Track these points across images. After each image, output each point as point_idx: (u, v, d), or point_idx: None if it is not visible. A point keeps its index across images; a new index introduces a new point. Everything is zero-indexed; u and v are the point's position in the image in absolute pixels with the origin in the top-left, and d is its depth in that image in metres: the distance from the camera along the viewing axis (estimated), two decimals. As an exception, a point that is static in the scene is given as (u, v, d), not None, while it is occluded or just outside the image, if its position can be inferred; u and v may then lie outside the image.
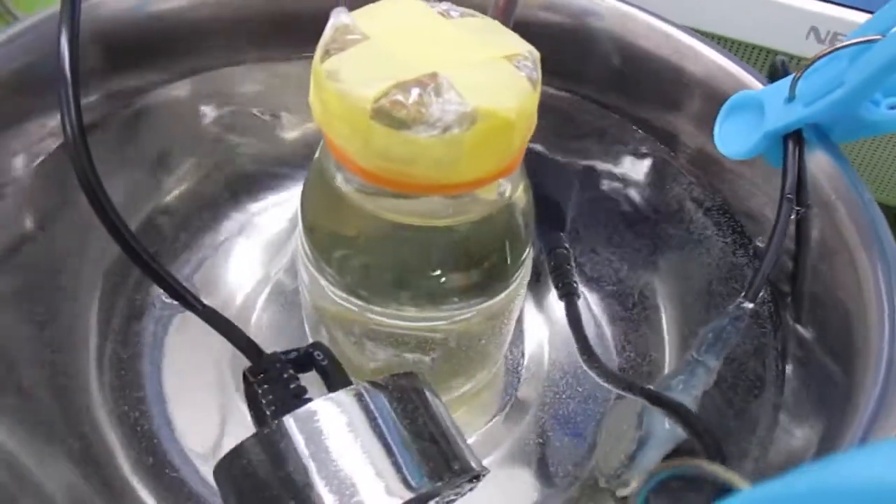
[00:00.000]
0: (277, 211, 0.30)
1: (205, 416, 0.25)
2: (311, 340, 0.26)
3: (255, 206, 0.29)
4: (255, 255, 0.29)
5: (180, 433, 0.24)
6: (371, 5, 0.20)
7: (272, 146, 0.29)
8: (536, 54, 0.19)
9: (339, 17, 0.19)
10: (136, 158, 0.26)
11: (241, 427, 0.24)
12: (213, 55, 0.27)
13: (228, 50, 0.27)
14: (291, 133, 0.29)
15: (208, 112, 0.28)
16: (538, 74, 0.18)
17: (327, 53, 0.18)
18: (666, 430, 0.20)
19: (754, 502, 0.09)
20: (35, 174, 0.23)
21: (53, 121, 0.23)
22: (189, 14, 0.26)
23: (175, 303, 0.19)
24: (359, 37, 0.18)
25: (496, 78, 0.18)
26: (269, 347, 0.20)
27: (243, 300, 0.27)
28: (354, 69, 0.17)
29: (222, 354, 0.26)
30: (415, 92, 0.17)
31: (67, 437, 0.21)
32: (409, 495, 0.18)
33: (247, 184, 0.29)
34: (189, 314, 0.19)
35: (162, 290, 0.19)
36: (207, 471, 0.23)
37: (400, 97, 0.17)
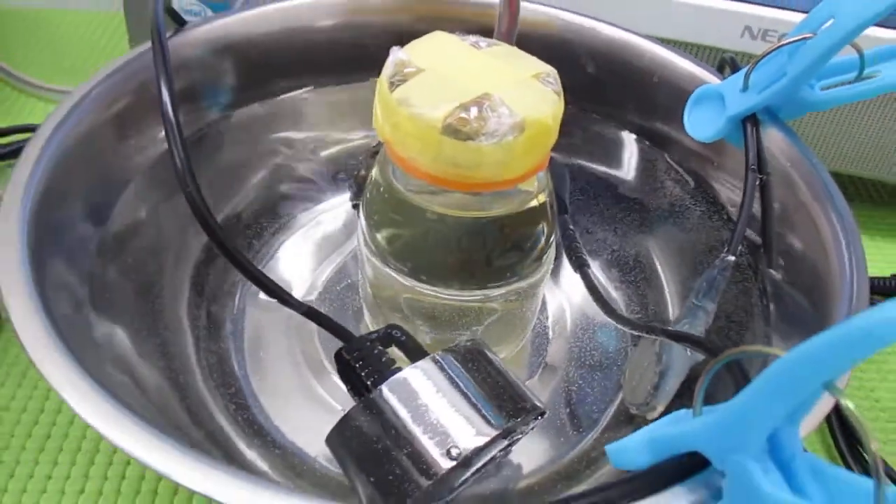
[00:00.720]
0: (325, 217, 0.34)
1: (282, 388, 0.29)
2: (371, 328, 0.30)
3: (303, 216, 0.34)
4: (305, 257, 0.33)
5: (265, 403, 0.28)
6: (414, 42, 0.24)
7: (315, 164, 0.33)
8: (555, 72, 0.24)
9: (397, 55, 0.23)
10: (219, 168, 0.31)
11: (313, 400, 0.28)
12: (282, 82, 0.31)
13: (297, 77, 0.31)
14: (325, 151, 0.33)
15: (274, 132, 0.32)
16: (559, 87, 0.23)
17: (392, 85, 0.22)
18: (681, 361, 0.25)
19: (802, 356, 0.14)
20: (149, 172, 0.27)
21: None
22: (266, 43, 0.30)
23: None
24: (415, 69, 0.23)
25: (532, 93, 0.22)
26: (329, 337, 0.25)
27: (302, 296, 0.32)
28: (421, 96, 0.22)
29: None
30: (474, 110, 0.21)
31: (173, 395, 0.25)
32: (493, 433, 0.22)
33: (294, 196, 0.34)
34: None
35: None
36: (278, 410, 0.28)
37: (464, 115, 0.21)
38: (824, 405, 0.18)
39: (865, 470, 0.31)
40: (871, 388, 0.35)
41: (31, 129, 0.41)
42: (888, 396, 0.35)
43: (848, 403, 0.14)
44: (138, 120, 0.27)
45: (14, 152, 0.39)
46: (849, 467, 0.31)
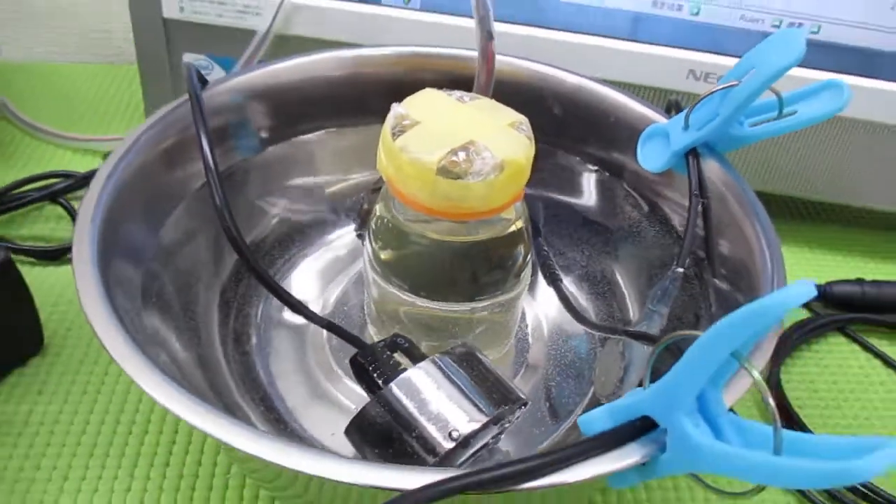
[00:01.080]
0: (332, 245, 0.40)
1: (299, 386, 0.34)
2: (374, 337, 0.35)
3: (314, 244, 0.39)
4: (315, 279, 0.38)
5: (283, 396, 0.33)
6: (409, 98, 0.29)
7: (324, 198, 0.39)
8: (527, 120, 0.29)
9: (397, 110, 0.28)
10: (245, 202, 0.36)
11: (328, 400, 0.33)
12: (298, 127, 0.37)
13: (310, 122, 0.37)
14: (333, 188, 0.38)
15: (290, 170, 0.37)
16: (531, 133, 0.28)
17: (394, 134, 0.27)
18: (642, 356, 0.30)
19: (713, 334, 0.18)
20: (193, 198, 0.32)
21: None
22: (285, 93, 0.36)
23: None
24: (411, 122, 0.28)
25: (508, 139, 0.28)
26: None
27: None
28: (418, 143, 0.27)
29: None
30: (462, 154, 0.26)
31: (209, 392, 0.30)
32: (485, 418, 0.27)
33: (306, 227, 0.39)
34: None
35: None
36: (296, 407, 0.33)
37: (454, 158, 0.26)
38: (746, 381, 0.23)
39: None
40: (811, 380, 0.40)
41: (55, 175, 0.45)
42: (825, 388, 0.40)
43: (751, 369, 0.19)
44: (183, 155, 0.32)
45: (49, 195, 0.43)
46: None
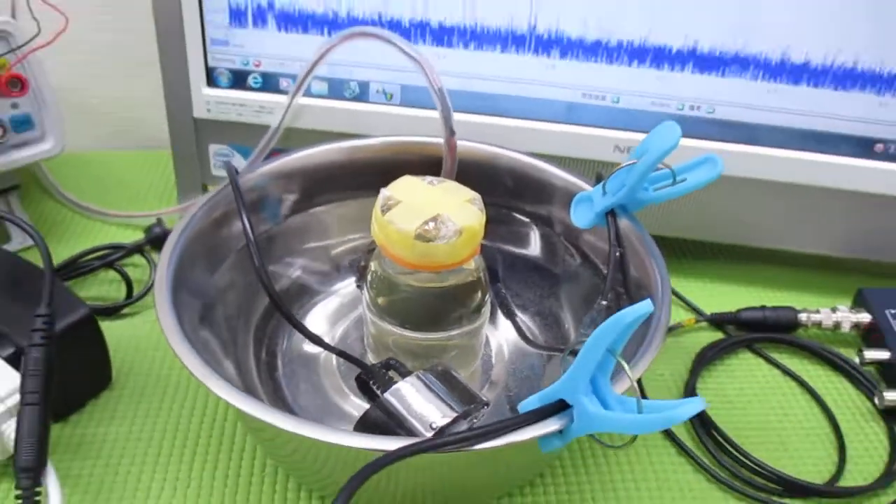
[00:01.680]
0: (338, 293, 0.51)
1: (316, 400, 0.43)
2: (373, 361, 0.45)
3: (323, 293, 0.49)
4: (324, 320, 0.49)
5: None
6: (393, 183, 0.40)
7: (331, 258, 0.49)
8: (479, 197, 0.39)
9: (384, 192, 0.39)
10: (272, 260, 0.46)
11: (338, 411, 0.43)
12: (312, 200, 0.48)
13: (319, 197, 0.48)
14: (337, 249, 0.49)
15: (306, 235, 0.48)
16: (482, 206, 0.39)
17: (383, 211, 0.38)
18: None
19: (594, 338, 0.29)
20: (237, 254, 0.43)
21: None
22: (300, 175, 0.48)
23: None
24: (395, 201, 0.38)
25: (465, 211, 0.38)
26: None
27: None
28: (400, 217, 0.37)
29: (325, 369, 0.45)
30: (432, 224, 0.37)
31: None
32: (454, 414, 0.36)
33: (318, 279, 0.49)
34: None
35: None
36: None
37: (427, 227, 0.37)
38: (635, 373, 0.34)
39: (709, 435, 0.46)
40: (722, 387, 0.50)
41: (109, 247, 0.55)
42: (733, 393, 0.50)
43: (619, 357, 0.29)
44: (228, 223, 0.43)
45: (106, 263, 0.54)
46: (697, 433, 0.46)
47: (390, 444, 0.30)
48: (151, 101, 0.68)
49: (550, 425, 0.31)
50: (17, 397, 0.38)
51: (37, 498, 0.36)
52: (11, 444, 0.37)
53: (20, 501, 0.35)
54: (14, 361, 0.41)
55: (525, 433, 0.31)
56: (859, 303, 0.55)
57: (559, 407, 0.32)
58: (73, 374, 0.43)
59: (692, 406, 0.27)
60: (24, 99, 0.51)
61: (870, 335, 0.54)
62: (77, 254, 0.54)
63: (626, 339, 0.30)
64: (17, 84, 0.47)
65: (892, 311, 0.53)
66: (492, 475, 0.38)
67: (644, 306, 0.28)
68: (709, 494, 0.43)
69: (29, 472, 0.36)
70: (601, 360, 0.30)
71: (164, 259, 0.38)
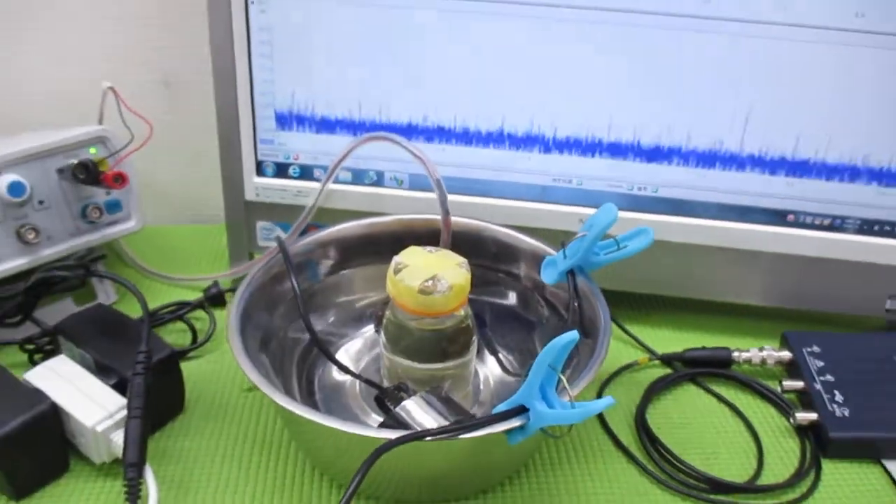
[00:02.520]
0: (360, 337, 0.64)
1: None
2: (387, 384, 0.58)
3: (348, 336, 0.63)
4: (351, 357, 0.62)
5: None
6: (402, 252, 0.54)
7: (355, 309, 0.63)
8: (466, 261, 0.53)
9: (395, 259, 0.53)
10: (312, 311, 0.60)
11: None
12: (341, 265, 0.62)
13: (346, 262, 0.62)
14: (361, 303, 0.63)
15: (336, 291, 0.62)
16: (468, 268, 0.53)
17: (395, 272, 0.52)
18: (539, 389, 0.53)
19: (539, 358, 0.42)
20: (288, 303, 0.57)
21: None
22: (331, 246, 0.62)
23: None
24: (403, 265, 0.52)
25: (455, 272, 0.52)
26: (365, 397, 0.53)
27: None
28: (408, 277, 0.51)
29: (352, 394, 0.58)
30: (431, 281, 0.51)
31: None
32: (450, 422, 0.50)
33: (345, 326, 0.63)
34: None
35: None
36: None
37: (427, 284, 0.50)
38: (580, 384, 0.46)
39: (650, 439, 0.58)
40: (668, 412, 0.63)
41: (178, 304, 0.69)
42: (676, 416, 0.62)
43: (558, 372, 0.42)
44: (282, 279, 0.57)
45: (177, 317, 0.67)
46: (645, 447, 0.58)
47: (394, 434, 0.43)
48: (205, 182, 0.83)
49: (514, 422, 0.44)
50: (123, 413, 0.52)
51: (139, 488, 0.49)
52: (119, 449, 0.51)
53: (126, 490, 0.48)
54: (117, 387, 0.54)
55: (497, 427, 0.44)
56: (783, 343, 0.68)
57: (520, 409, 0.45)
58: (158, 400, 0.56)
59: (604, 402, 0.40)
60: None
61: (790, 369, 0.66)
62: (156, 308, 0.68)
63: (564, 359, 0.43)
64: (119, 179, 0.62)
65: (808, 350, 0.65)
66: (475, 467, 0.50)
67: (571, 335, 0.41)
68: (651, 491, 0.55)
69: (134, 467, 0.49)
70: (545, 375, 0.43)
71: (235, 300, 0.52)
